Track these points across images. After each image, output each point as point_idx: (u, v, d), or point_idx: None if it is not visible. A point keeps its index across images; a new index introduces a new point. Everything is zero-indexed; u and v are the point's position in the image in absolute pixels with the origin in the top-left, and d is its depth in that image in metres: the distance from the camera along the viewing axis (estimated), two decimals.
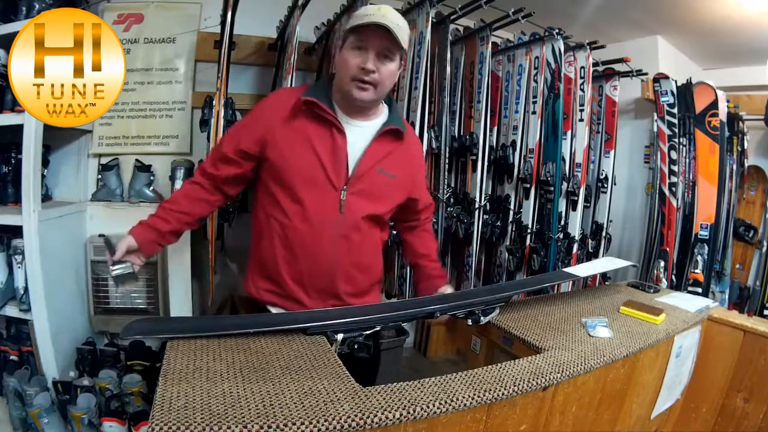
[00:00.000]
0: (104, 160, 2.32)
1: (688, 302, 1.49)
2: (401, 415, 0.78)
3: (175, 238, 1.28)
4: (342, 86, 1.18)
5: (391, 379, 0.88)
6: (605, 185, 2.90)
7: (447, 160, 2.27)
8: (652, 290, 1.63)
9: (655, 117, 2.83)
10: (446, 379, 0.89)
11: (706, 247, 2.70)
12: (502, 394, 0.88)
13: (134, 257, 1.21)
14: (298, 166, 1.19)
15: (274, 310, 1.26)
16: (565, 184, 2.54)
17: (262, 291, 1.27)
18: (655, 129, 2.83)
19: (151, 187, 2.32)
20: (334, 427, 0.73)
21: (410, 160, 1.33)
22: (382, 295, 2.42)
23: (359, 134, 1.23)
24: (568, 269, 1.70)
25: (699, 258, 2.69)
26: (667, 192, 2.78)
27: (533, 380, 0.93)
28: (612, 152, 2.90)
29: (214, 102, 1.90)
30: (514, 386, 0.90)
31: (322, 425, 0.72)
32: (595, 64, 2.77)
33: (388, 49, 1.14)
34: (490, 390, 0.87)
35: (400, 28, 1.14)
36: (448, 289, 1.36)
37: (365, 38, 1.13)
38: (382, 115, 1.28)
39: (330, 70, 1.29)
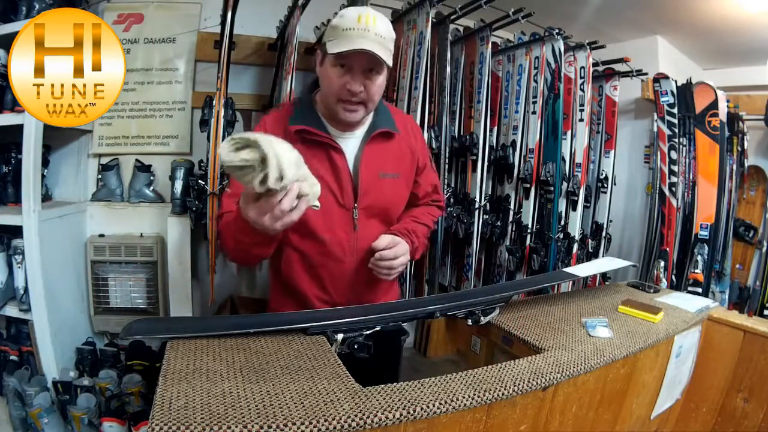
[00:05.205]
0: (104, 160, 2.33)
1: (688, 302, 1.48)
2: (401, 415, 0.78)
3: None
4: (329, 104, 1.12)
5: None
6: (605, 185, 2.90)
7: (447, 160, 2.27)
8: (652, 290, 1.62)
9: (655, 117, 2.83)
10: (446, 379, 0.89)
11: (706, 247, 2.70)
12: (502, 394, 0.88)
13: None
14: None
15: None
16: (565, 184, 2.54)
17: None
18: (655, 129, 2.83)
19: (151, 187, 2.32)
20: (334, 427, 0.73)
21: (409, 151, 1.26)
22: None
23: (353, 145, 1.18)
24: (568, 269, 1.69)
25: (699, 258, 2.69)
26: (667, 192, 2.78)
27: (533, 380, 0.93)
28: (612, 152, 2.90)
29: (214, 102, 1.90)
30: (514, 386, 0.90)
31: (322, 425, 0.72)
32: (595, 64, 2.77)
33: (374, 65, 1.05)
34: (490, 390, 0.87)
35: (385, 39, 1.04)
36: (383, 241, 1.17)
37: (347, 57, 1.03)
38: (369, 117, 1.20)
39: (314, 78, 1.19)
